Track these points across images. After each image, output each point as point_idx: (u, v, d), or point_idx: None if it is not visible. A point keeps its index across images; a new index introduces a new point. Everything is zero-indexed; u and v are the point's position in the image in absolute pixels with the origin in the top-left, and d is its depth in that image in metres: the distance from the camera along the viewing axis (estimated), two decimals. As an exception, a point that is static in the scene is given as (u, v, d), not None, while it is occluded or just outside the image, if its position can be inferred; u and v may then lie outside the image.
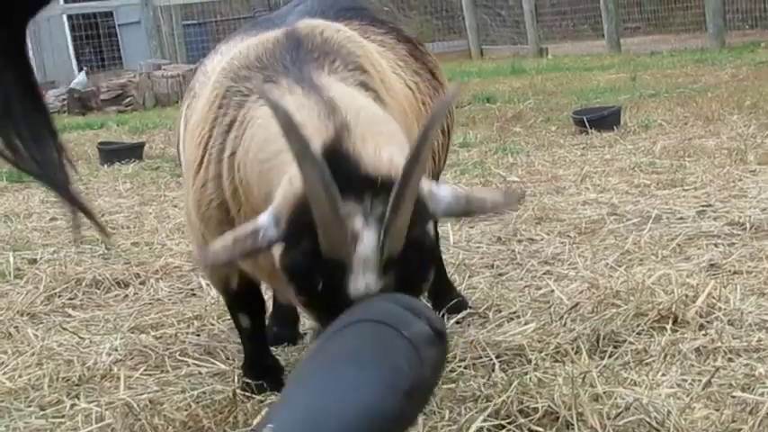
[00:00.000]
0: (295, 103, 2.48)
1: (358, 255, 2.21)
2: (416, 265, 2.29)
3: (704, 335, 3.12)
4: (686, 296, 3.31)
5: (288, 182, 2.33)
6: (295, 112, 2.42)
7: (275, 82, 2.62)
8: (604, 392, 2.64)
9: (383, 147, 2.34)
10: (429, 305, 2.47)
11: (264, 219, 2.31)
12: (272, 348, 3.39)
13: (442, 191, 2.38)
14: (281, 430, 2.08)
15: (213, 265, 2.50)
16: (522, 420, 2.56)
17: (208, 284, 4.10)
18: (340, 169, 2.22)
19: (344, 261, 2.21)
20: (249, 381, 3.06)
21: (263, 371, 3.11)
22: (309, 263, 2.24)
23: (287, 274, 2.32)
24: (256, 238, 2.29)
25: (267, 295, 3.45)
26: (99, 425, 2.74)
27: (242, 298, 3.06)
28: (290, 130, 2.17)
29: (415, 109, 3.01)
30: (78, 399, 3.08)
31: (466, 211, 2.38)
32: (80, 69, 22.05)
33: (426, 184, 2.35)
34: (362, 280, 2.22)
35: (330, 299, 2.26)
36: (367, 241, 2.22)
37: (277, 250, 2.33)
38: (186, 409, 2.89)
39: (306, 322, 3.67)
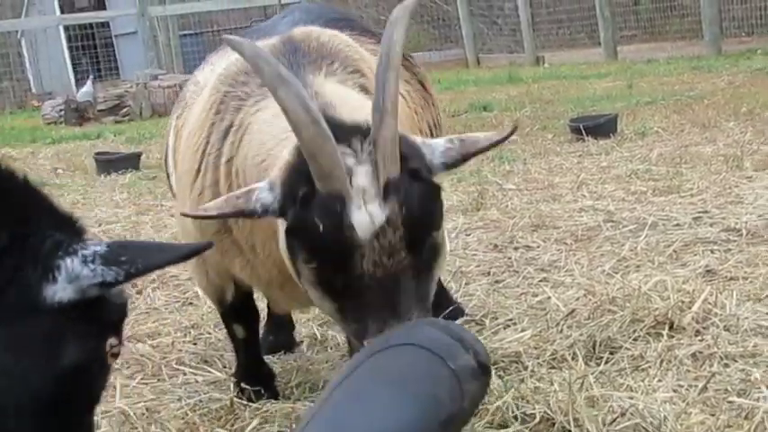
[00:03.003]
0: None
1: (355, 184, 2.17)
2: (417, 194, 2.22)
3: (700, 340, 3.12)
4: (682, 302, 3.31)
5: (280, 159, 2.33)
6: None
7: None
8: (601, 396, 2.63)
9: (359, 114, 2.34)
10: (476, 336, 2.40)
11: (260, 184, 2.29)
12: (269, 357, 3.40)
13: (434, 140, 2.37)
14: None
15: (202, 218, 2.45)
16: (518, 426, 2.56)
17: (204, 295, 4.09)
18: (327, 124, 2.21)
19: (341, 192, 2.16)
20: (246, 387, 3.04)
21: (257, 379, 3.09)
22: (308, 205, 2.19)
23: (292, 238, 2.26)
24: (249, 198, 2.26)
25: (262, 304, 3.45)
26: (95, 433, 2.73)
27: (236, 309, 3.05)
28: (258, 58, 2.20)
29: (409, 117, 3.00)
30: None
31: (462, 153, 2.34)
32: (77, 80, 22.11)
33: (418, 138, 2.36)
34: (364, 210, 2.16)
35: (339, 251, 2.17)
36: (361, 172, 2.19)
37: (280, 226, 2.31)
38: (183, 418, 2.90)
39: (302, 330, 3.67)
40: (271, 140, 2.46)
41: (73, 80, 23.18)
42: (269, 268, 2.69)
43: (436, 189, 2.30)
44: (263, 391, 3.04)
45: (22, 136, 12.70)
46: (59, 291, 1.73)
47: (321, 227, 2.17)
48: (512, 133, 2.45)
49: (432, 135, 3.16)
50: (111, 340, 1.86)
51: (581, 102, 10.34)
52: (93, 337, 1.81)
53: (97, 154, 8.94)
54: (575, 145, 7.49)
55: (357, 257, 2.17)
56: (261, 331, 3.54)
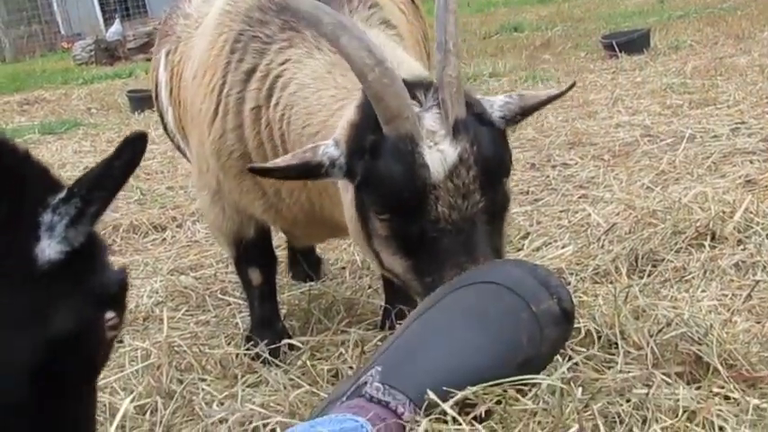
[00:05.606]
0: (325, 61, 2.45)
1: (425, 126, 2.13)
2: (486, 135, 2.18)
3: (743, 250, 3.11)
4: (723, 212, 3.29)
5: (342, 120, 2.28)
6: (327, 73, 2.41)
7: (298, 31, 2.54)
8: (646, 307, 2.63)
9: (417, 72, 2.31)
10: (563, 281, 2.36)
11: (326, 141, 2.24)
12: (312, 284, 3.42)
13: (492, 97, 2.32)
14: (387, 374, 2.08)
15: (268, 172, 2.38)
16: (564, 342, 2.56)
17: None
18: None
19: (412, 132, 2.12)
20: (261, 343, 2.84)
21: (274, 334, 2.92)
22: (379, 151, 2.15)
23: (363, 192, 2.20)
24: (316, 152, 2.21)
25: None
26: (145, 363, 2.76)
27: (254, 249, 2.92)
28: (317, 9, 2.14)
29: (410, 34, 2.93)
30: (122, 341, 3.10)
31: (522, 107, 2.28)
32: (105, 20, 22.10)
33: (476, 94, 2.31)
34: (436, 149, 2.12)
35: (413, 195, 2.12)
36: (429, 116, 2.15)
37: (346, 187, 2.26)
38: (230, 344, 2.92)
39: (344, 257, 3.67)
40: (322, 111, 2.40)
41: (101, 20, 23.16)
42: (295, 212, 2.64)
43: (503, 133, 2.26)
44: (280, 350, 2.84)
45: (54, 78, 12.74)
46: (46, 248, 1.70)
47: (394, 170, 2.13)
48: (571, 87, 2.41)
49: (422, 46, 3.09)
50: (109, 314, 1.85)
51: (612, 18, 10.25)
52: (86, 308, 1.78)
53: (130, 92, 8.96)
54: (608, 62, 7.44)
55: (432, 200, 2.13)
56: (286, 269, 3.57)
